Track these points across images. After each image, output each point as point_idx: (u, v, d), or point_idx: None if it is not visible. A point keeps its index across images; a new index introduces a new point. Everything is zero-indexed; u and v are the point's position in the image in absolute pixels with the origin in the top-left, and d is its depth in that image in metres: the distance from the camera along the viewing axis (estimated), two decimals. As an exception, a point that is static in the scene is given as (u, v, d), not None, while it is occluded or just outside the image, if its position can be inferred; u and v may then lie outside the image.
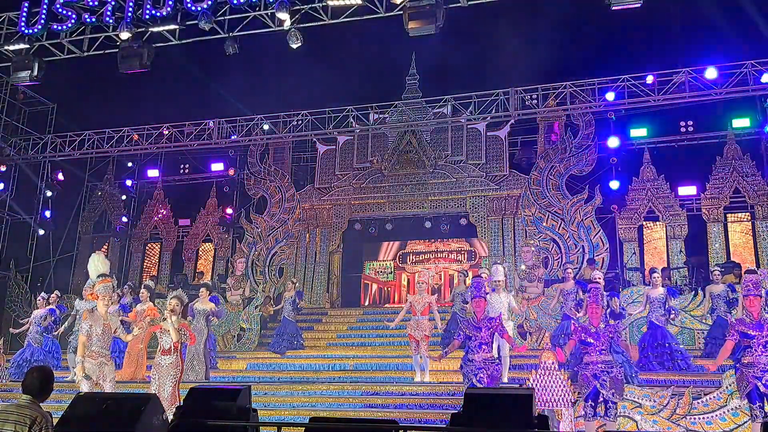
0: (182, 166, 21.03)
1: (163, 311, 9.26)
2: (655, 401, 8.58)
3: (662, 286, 11.45)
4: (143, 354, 12.44)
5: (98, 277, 9.15)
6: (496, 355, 9.35)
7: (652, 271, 11.77)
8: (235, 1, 13.00)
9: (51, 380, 4.45)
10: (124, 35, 13.23)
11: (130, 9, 13.24)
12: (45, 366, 4.75)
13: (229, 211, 19.39)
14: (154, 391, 8.37)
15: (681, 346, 11.16)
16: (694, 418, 8.41)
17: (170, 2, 13.15)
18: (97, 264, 9.51)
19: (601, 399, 7.60)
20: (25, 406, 4.28)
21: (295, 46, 13.17)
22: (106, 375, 8.47)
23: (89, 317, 8.62)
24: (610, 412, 7.57)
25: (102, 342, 8.52)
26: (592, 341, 7.73)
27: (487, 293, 9.04)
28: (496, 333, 8.40)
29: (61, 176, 19.58)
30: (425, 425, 8.52)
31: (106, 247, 20.65)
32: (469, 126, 17.67)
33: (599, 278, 11.03)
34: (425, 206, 17.80)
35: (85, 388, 8.25)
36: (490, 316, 8.58)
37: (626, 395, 8.51)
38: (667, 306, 11.10)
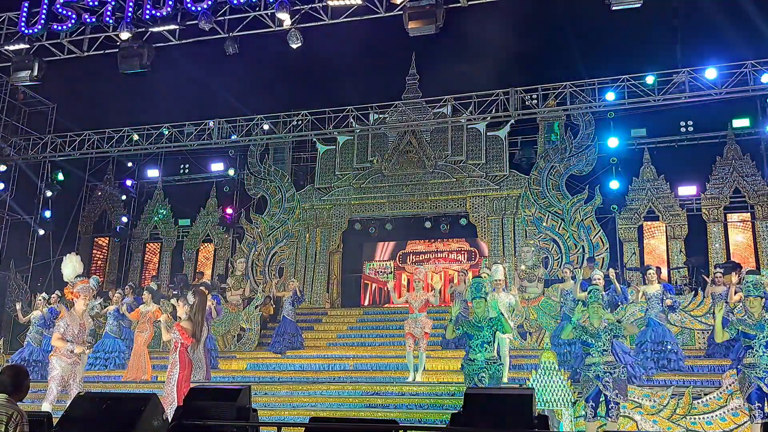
0: (182, 166, 21.03)
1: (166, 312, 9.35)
2: (655, 401, 8.58)
3: (658, 283, 11.44)
4: (146, 355, 12.44)
5: (76, 278, 9.15)
6: (497, 355, 9.34)
7: (648, 268, 11.77)
8: (235, 1, 13.02)
9: (24, 377, 4.45)
10: (124, 35, 13.25)
11: (130, 9, 13.25)
12: (17, 364, 4.74)
13: (229, 211, 19.40)
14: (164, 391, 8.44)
15: (679, 347, 11.14)
16: (694, 418, 8.41)
17: (170, 2, 13.16)
18: (75, 265, 9.45)
19: (602, 399, 7.60)
20: (0, 404, 4.30)
21: (295, 46, 13.18)
22: (76, 374, 8.45)
23: (66, 316, 8.63)
24: (611, 413, 7.56)
25: (77, 341, 8.52)
26: (592, 341, 7.72)
27: (487, 293, 9.04)
28: (497, 332, 8.40)
29: (61, 176, 19.58)
30: (425, 425, 8.52)
31: (106, 241, 20.70)
32: (469, 126, 17.65)
33: (599, 278, 11.04)
34: (425, 206, 17.79)
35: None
36: (490, 316, 8.57)
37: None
38: (664, 304, 11.08)
